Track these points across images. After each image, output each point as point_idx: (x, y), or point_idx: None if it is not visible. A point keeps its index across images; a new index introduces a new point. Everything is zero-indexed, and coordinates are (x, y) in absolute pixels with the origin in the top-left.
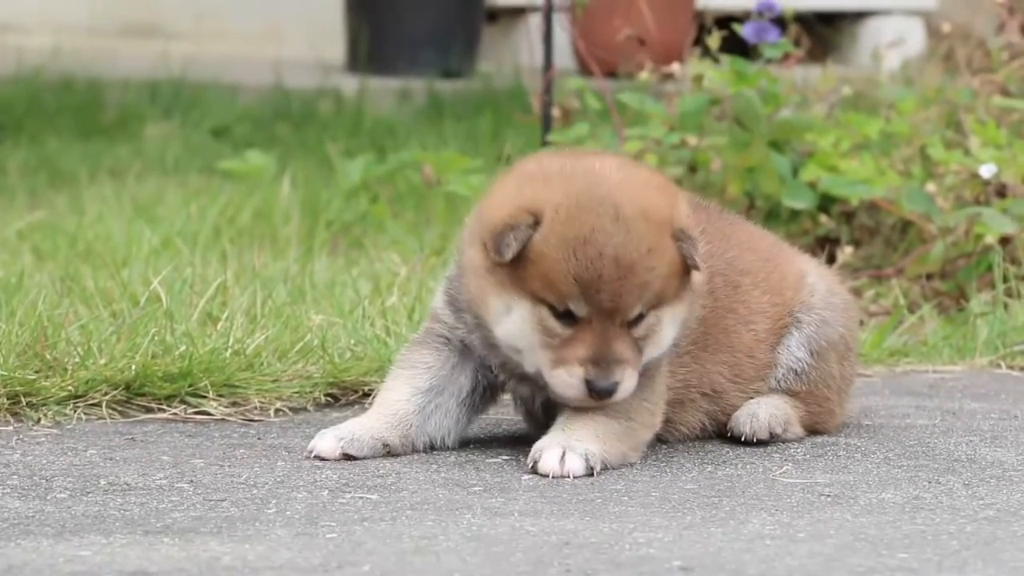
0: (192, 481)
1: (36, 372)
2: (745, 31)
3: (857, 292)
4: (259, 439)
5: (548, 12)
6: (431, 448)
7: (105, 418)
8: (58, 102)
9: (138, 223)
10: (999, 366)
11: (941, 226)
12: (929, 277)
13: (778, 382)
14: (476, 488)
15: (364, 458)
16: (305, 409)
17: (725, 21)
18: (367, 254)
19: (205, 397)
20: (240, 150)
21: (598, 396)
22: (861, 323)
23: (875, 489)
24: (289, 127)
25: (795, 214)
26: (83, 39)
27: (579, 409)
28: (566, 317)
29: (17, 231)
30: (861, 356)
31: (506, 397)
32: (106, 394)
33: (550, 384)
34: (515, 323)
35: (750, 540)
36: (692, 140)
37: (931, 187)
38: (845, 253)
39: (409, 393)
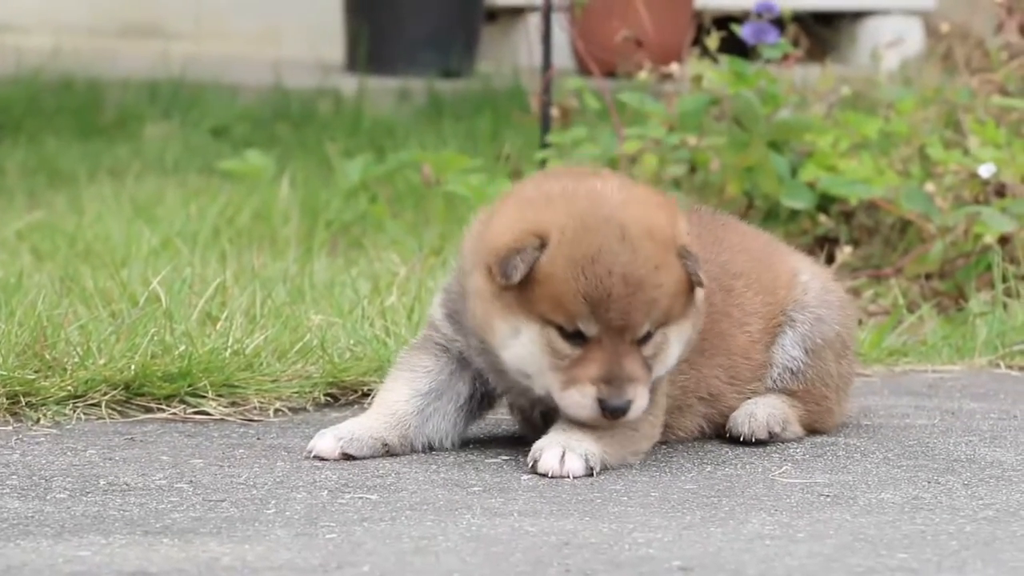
0: (191, 481)
1: (35, 372)
2: (744, 32)
3: (856, 292)
4: (258, 439)
5: (547, 12)
6: (429, 449)
7: (104, 418)
8: (57, 102)
9: (137, 223)
10: (998, 366)
11: (940, 226)
12: (928, 277)
13: (774, 382)
14: (475, 488)
15: (363, 458)
16: (304, 409)
17: (724, 21)
18: (366, 254)
19: (204, 397)
20: (239, 150)
21: (611, 415)
22: (860, 323)
23: (874, 489)
24: (288, 127)
25: (794, 214)
26: (83, 39)
27: None
28: (575, 337)
29: (16, 231)
30: (860, 356)
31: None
32: (105, 394)
33: (561, 406)
34: (523, 346)
35: (749, 540)
36: (691, 140)
37: (930, 187)
38: (844, 253)
39: (408, 395)
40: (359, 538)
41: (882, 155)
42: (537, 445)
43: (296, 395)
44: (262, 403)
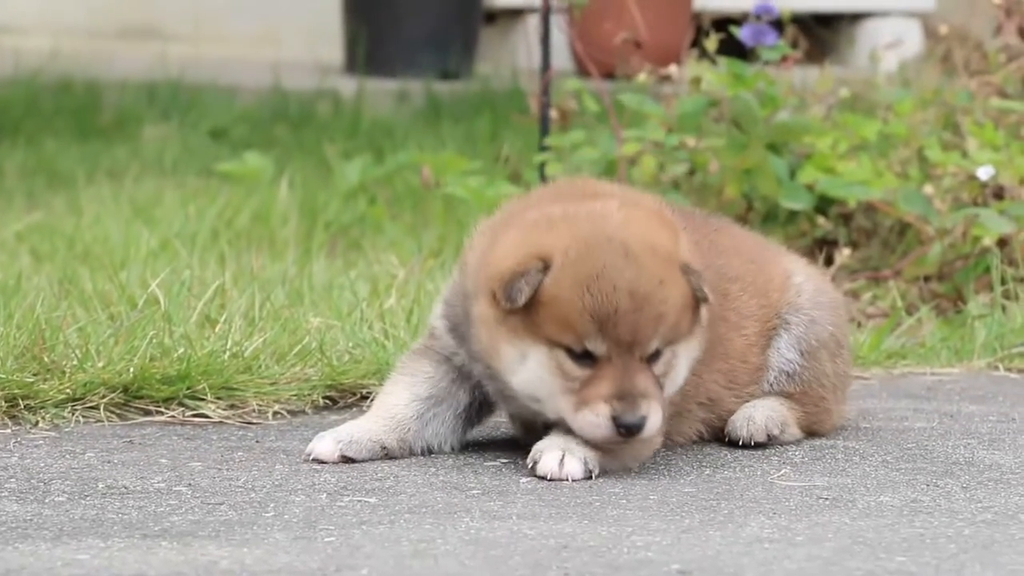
0: (190, 484)
1: (34, 375)
2: (743, 33)
3: (855, 294)
4: (257, 442)
5: (546, 14)
6: (428, 453)
7: (103, 421)
8: (56, 104)
9: (136, 225)
10: (997, 368)
11: (939, 228)
12: (927, 279)
13: (771, 385)
14: (474, 491)
15: (362, 461)
16: (303, 412)
17: (723, 23)
18: (365, 256)
19: (203, 400)
20: (238, 152)
21: (627, 432)
22: (859, 325)
23: (873, 492)
24: (287, 129)
25: (793, 215)
26: (81, 41)
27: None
28: (584, 358)
29: (15, 233)
30: (859, 359)
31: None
32: (104, 397)
33: (575, 428)
34: (532, 370)
35: (748, 543)
36: (690, 142)
37: (929, 189)
38: (843, 255)
39: (408, 399)
40: (358, 541)
41: (881, 157)
42: (537, 447)
43: (295, 398)
44: (261, 406)
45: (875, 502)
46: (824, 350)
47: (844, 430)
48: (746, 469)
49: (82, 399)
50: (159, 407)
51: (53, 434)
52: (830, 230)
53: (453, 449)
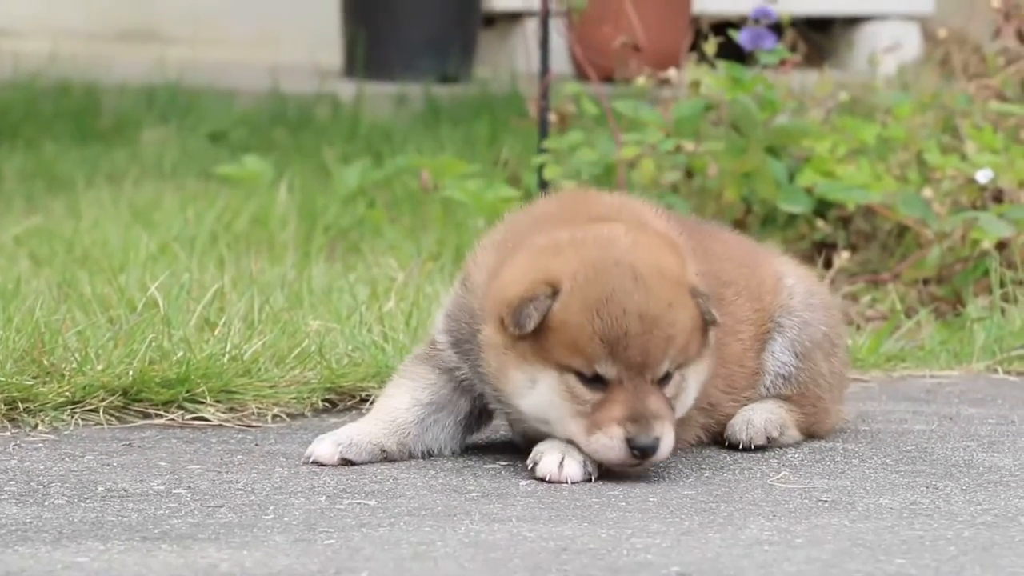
0: (190, 487)
1: (33, 378)
2: (741, 37)
3: (854, 297)
4: (257, 445)
5: (545, 17)
6: (428, 457)
7: (103, 424)
8: (55, 107)
9: (135, 228)
10: (996, 371)
11: (937, 231)
12: (926, 282)
13: (768, 389)
14: (474, 494)
15: (362, 463)
16: (303, 415)
17: (721, 27)
18: (364, 259)
19: (203, 403)
20: (237, 155)
21: (641, 454)
22: (858, 328)
23: (873, 495)
24: (286, 132)
25: (792, 219)
26: (80, 44)
27: None
28: (595, 382)
29: (14, 237)
30: (859, 361)
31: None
32: (103, 400)
33: (588, 452)
34: (542, 395)
35: (748, 546)
36: (689, 146)
37: (927, 192)
38: (842, 258)
39: (409, 403)
40: (357, 544)
41: (880, 160)
42: (538, 448)
43: (294, 401)
44: (260, 409)
45: (874, 504)
46: (818, 351)
47: (843, 432)
48: (745, 471)
49: (81, 402)
50: (158, 410)
51: (53, 437)
52: (829, 233)
53: (453, 454)
